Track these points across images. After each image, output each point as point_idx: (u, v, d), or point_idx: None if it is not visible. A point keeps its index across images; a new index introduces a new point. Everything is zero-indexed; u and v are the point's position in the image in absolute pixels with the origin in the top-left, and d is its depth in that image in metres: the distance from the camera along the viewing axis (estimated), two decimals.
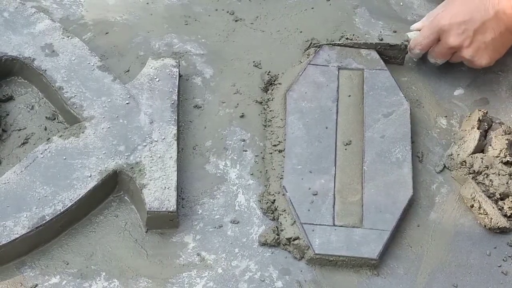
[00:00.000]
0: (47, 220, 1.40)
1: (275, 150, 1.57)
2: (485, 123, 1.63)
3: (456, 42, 1.60)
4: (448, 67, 1.76)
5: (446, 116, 1.68)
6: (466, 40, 1.59)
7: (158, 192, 1.44)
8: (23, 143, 1.55)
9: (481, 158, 1.57)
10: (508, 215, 1.52)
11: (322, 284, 1.45)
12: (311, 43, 1.73)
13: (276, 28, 1.80)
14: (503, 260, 1.50)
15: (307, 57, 1.71)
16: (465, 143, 1.60)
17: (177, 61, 1.63)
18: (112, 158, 1.48)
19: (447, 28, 1.60)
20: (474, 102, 1.71)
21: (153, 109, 1.55)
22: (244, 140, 1.61)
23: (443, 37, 1.62)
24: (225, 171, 1.57)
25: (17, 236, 1.38)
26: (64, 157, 1.47)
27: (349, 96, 1.63)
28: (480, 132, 1.60)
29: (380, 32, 1.80)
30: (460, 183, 1.58)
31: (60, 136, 1.50)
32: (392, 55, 1.70)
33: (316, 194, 1.50)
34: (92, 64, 1.59)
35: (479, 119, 1.62)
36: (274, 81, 1.68)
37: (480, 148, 1.61)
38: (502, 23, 1.56)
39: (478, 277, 1.48)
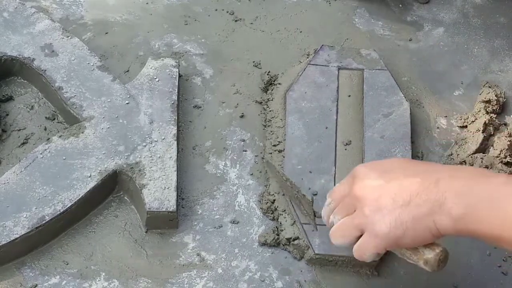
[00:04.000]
0: (47, 220, 1.40)
1: (275, 150, 1.57)
2: (491, 128, 1.62)
3: (362, 192, 1.17)
4: (448, 67, 1.76)
5: (446, 116, 1.68)
6: (374, 191, 1.15)
7: (158, 192, 1.44)
8: (23, 143, 1.55)
9: (481, 158, 1.56)
10: None
11: (322, 284, 1.45)
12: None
13: (276, 28, 1.79)
14: (503, 260, 1.50)
15: (307, 57, 1.71)
16: (466, 144, 1.60)
17: (177, 61, 1.63)
18: (112, 158, 1.48)
19: (363, 173, 1.18)
20: (474, 102, 1.71)
21: (153, 109, 1.54)
22: (244, 140, 1.61)
23: (353, 184, 1.19)
24: (225, 171, 1.57)
25: (16, 236, 1.38)
26: (64, 157, 1.47)
27: (349, 96, 1.63)
28: (484, 136, 1.60)
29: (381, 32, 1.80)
30: None
31: (60, 136, 1.50)
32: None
33: (316, 194, 1.49)
34: (91, 64, 1.59)
35: (485, 122, 1.61)
36: (274, 81, 1.68)
37: (481, 151, 1.60)
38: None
39: (478, 277, 1.47)
